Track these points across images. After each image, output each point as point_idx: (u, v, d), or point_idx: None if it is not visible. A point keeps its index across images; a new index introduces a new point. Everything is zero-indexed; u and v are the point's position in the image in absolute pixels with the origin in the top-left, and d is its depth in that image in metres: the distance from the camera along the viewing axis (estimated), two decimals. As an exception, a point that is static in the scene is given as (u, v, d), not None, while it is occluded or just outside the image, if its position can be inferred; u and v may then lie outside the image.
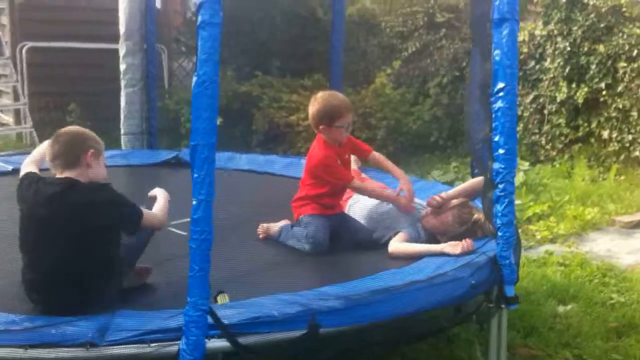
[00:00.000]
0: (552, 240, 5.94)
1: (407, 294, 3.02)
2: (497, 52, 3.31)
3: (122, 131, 6.26)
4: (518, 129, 8.72)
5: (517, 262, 3.80)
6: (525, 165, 7.69)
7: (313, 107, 4.08)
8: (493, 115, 3.33)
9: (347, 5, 11.62)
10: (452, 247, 3.69)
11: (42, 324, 2.62)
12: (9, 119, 9.09)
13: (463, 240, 3.70)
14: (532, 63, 8.63)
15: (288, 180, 5.30)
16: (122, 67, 5.56)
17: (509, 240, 3.37)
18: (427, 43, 9.75)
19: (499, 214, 3.36)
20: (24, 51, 8.64)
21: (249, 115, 8.94)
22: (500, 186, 3.33)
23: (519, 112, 8.76)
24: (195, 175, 2.45)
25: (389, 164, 4.39)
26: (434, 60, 9.59)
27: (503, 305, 3.37)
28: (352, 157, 5.20)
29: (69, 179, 2.88)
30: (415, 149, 8.93)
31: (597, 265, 5.23)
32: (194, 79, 2.46)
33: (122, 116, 6.13)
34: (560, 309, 4.64)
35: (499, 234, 3.38)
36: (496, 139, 3.32)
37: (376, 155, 4.47)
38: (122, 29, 5.62)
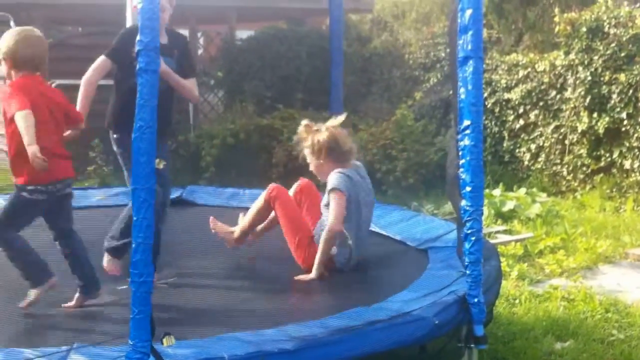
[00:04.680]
0: (561, 274, 5.82)
1: (365, 334, 3.01)
2: (462, 90, 3.33)
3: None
4: (540, 159, 8.63)
5: (493, 300, 3.78)
6: (542, 196, 7.57)
7: None
8: (460, 153, 3.34)
9: (372, 38, 11.76)
10: None
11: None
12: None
13: None
14: (553, 93, 8.54)
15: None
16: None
17: (478, 279, 3.34)
18: (449, 74, 9.72)
19: (467, 252, 3.33)
20: (52, 89, 8.93)
21: (270, 148, 9.04)
22: (468, 224, 3.31)
23: (541, 143, 8.67)
24: (135, 218, 2.51)
25: None
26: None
27: (472, 345, 3.33)
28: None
29: None
30: (436, 181, 8.87)
31: (601, 300, 5.11)
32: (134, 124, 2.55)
33: (129, 153, 6.23)
34: (558, 345, 4.53)
35: (467, 272, 3.35)
36: (463, 176, 3.32)
37: None
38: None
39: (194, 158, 8.91)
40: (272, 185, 4.50)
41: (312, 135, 4.37)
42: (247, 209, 5.70)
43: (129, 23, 6.10)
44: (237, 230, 4.54)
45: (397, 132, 9.11)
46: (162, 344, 2.72)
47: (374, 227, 4.70)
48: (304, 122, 4.47)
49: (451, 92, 4.64)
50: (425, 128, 9.27)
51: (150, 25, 2.61)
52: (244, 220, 4.52)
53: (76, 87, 8.91)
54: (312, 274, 4.10)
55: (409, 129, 9.15)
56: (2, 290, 3.82)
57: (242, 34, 11.67)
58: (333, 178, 4.23)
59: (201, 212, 5.43)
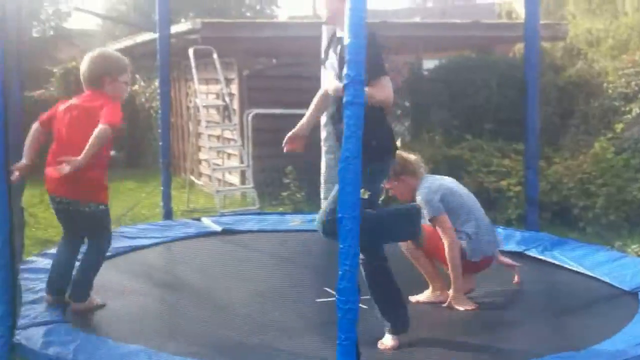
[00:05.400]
0: None
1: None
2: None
3: (321, 196, 6.52)
4: None
5: None
6: None
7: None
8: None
9: (565, 66, 11.25)
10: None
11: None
12: (235, 178, 9.90)
13: None
14: None
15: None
16: (323, 134, 5.81)
17: None
18: (655, 105, 9.06)
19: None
20: (249, 117, 9.40)
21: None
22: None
23: None
24: (341, 246, 2.52)
25: None
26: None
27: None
28: None
29: None
30: (642, 220, 8.22)
31: None
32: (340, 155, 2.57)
33: (322, 181, 6.36)
34: None
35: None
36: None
37: None
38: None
39: (381, 187, 8.93)
40: None
41: None
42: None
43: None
44: (454, 290, 4.36)
45: (595, 166, 8.58)
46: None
47: (578, 268, 4.42)
48: None
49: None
50: (628, 162, 8.64)
51: (356, 59, 2.65)
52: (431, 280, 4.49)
53: (270, 116, 9.42)
54: (451, 294, 4.23)
55: (609, 162, 8.59)
56: (207, 305, 3.98)
57: (428, 63, 11.63)
58: (422, 204, 4.22)
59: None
